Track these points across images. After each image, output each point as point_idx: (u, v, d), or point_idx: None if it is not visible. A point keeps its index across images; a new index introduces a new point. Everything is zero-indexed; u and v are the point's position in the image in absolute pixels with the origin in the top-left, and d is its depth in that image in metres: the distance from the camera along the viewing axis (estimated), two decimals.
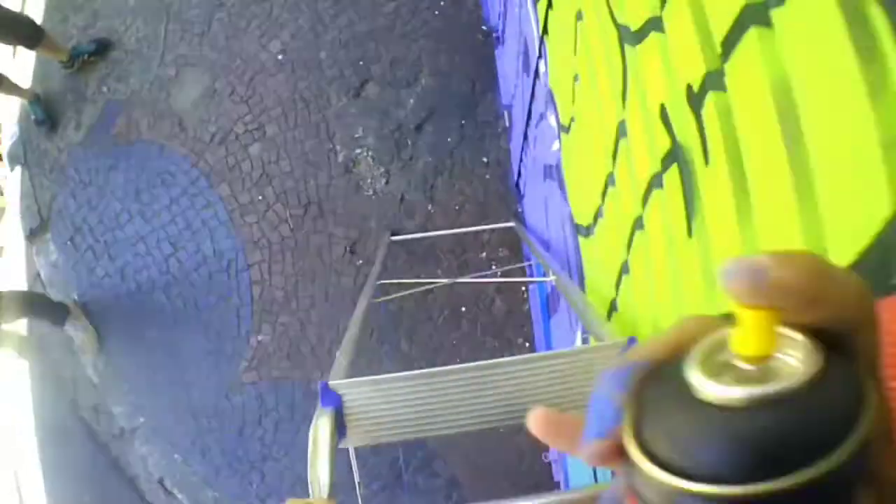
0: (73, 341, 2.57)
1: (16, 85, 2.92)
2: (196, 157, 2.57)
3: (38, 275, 2.77)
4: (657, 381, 0.19)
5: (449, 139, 2.39)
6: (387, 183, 2.37)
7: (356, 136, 2.45)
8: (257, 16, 2.74)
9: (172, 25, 2.85)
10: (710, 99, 0.56)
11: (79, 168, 2.76)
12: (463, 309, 2.19)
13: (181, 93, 2.72)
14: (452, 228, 2.22)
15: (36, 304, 2.56)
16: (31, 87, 3.04)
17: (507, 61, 2.21)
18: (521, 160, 2.13)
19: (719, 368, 0.18)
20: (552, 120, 1.52)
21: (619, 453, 0.19)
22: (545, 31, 1.42)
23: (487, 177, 2.33)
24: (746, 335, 0.17)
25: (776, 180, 0.45)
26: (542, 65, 1.54)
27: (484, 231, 2.24)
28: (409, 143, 2.41)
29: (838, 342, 0.18)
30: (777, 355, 0.18)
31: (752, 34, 0.47)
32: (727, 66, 0.52)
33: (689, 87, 0.61)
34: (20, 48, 2.87)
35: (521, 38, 1.81)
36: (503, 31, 2.24)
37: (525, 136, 1.99)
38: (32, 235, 2.84)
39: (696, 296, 0.66)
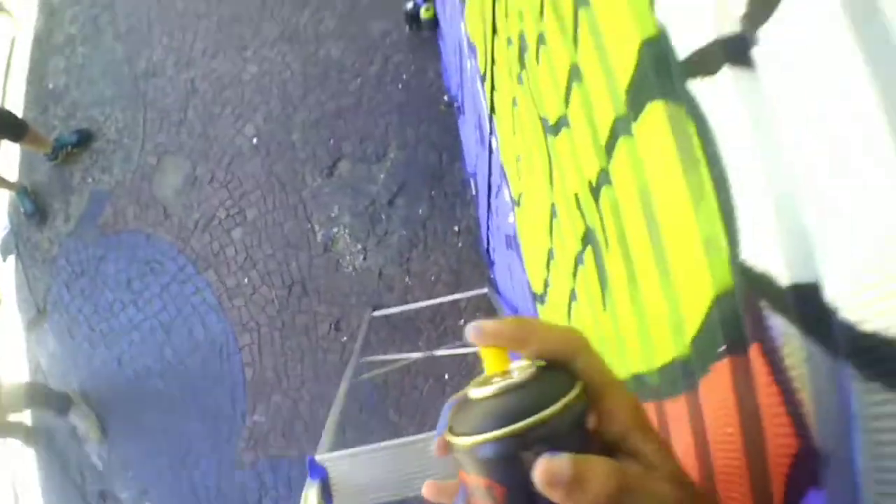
0: (77, 429, 2.67)
1: (3, 178, 3.03)
2: (182, 244, 2.69)
3: (39, 364, 2.87)
4: (462, 402, 0.32)
5: (420, 211, 2.51)
6: (364, 259, 2.48)
7: (332, 214, 2.57)
8: (230, 100, 2.86)
9: (150, 114, 2.97)
10: (604, 193, 0.65)
11: (70, 259, 2.86)
12: (446, 377, 2.30)
13: (163, 180, 2.83)
14: (430, 299, 2.33)
15: (38, 395, 2.66)
16: (18, 179, 3.15)
17: (467, 131, 2.30)
18: (488, 228, 2.24)
19: (487, 384, 0.31)
20: (506, 194, 1.61)
21: (448, 445, 0.31)
22: (493, 109, 1.51)
23: (460, 245, 2.45)
24: (489, 362, 0.31)
25: (648, 265, 0.55)
26: (494, 141, 1.64)
27: (460, 299, 2.35)
28: (383, 217, 2.53)
29: (565, 365, 0.31)
30: (513, 373, 0.30)
31: (622, 142, 0.56)
32: (610, 167, 0.61)
33: (590, 182, 0.70)
34: (4, 141, 2.98)
35: (476, 111, 1.89)
36: (462, 102, 2.33)
37: (489, 206, 2.09)
38: (30, 326, 2.94)
39: (613, 360, 0.77)
